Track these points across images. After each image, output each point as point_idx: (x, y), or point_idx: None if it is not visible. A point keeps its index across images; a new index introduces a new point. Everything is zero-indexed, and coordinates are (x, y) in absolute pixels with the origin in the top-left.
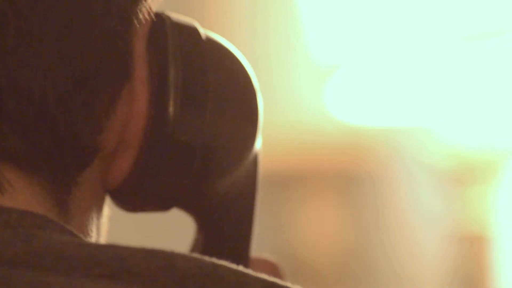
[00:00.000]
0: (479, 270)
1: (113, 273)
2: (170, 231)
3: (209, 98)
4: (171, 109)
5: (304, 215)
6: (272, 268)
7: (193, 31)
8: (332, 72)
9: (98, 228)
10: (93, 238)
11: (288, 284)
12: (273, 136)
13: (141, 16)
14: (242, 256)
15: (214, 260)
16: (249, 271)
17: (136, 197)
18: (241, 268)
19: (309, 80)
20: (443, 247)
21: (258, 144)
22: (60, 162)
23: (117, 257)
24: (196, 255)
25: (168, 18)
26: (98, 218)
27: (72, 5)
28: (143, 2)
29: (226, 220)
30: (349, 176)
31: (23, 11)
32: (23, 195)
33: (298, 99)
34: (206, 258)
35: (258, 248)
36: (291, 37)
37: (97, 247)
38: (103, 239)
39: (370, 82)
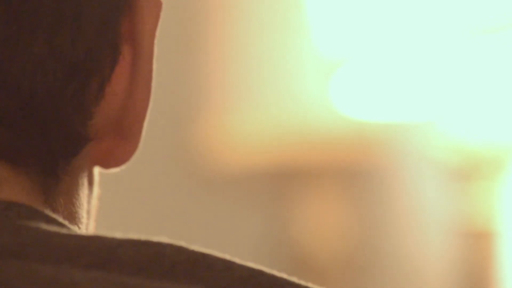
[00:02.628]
0: (485, 266)
1: (102, 262)
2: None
3: None
4: None
5: (309, 210)
6: None
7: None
8: (337, 67)
9: (88, 212)
10: (83, 223)
11: (274, 272)
12: (278, 130)
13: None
14: None
15: (203, 249)
16: (236, 259)
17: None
18: (228, 256)
19: (315, 74)
20: (449, 242)
21: None
22: (48, 152)
23: (105, 247)
24: (184, 244)
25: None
26: (89, 202)
27: None
28: None
29: None
30: (354, 171)
31: (13, 3)
32: (8, 186)
33: (303, 93)
34: (195, 248)
35: (263, 243)
36: (297, 31)
37: (84, 237)
38: (93, 222)
39: (376, 76)
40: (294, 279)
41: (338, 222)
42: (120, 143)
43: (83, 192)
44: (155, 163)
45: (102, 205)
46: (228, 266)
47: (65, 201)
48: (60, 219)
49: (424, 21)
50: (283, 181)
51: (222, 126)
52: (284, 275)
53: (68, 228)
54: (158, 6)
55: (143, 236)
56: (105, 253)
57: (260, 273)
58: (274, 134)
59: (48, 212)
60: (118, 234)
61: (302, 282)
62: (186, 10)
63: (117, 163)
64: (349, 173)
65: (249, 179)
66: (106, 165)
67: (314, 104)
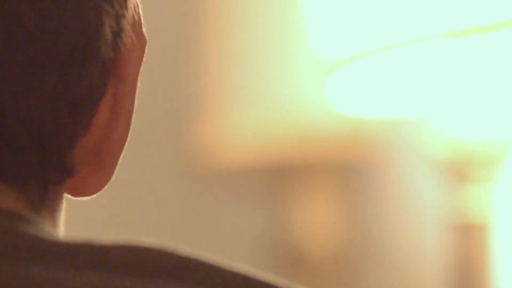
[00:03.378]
0: (478, 260)
1: (94, 264)
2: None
3: None
4: None
5: (305, 206)
6: None
7: None
8: (334, 67)
9: (61, 221)
10: (60, 232)
11: (261, 275)
12: (275, 128)
13: (126, 41)
14: None
15: (189, 253)
16: (221, 263)
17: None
18: (213, 260)
19: (311, 73)
20: (442, 237)
21: None
22: (43, 178)
23: (96, 249)
24: (172, 247)
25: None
26: (62, 212)
27: (80, 27)
28: (129, 28)
29: None
30: (348, 168)
31: (33, 34)
32: (5, 199)
33: (300, 91)
34: (182, 251)
35: (260, 238)
36: (293, 30)
37: (74, 241)
38: (62, 230)
39: (370, 73)
40: (282, 282)
41: (333, 217)
42: (95, 174)
43: (61, 202)
44: (154, 160)
45: (103, 203)
46: (214, 268)
47: (48, 210)
48: (47, 227)
49: (418, 20)
50: (280, 177)
51: (220, 123)
52: (270, 278)
53: (54, 234)
54: (143, 44)
55: (132, 240)
56: (96, 255)
57: (245, 277)
58: (271, 131)
59: (36, 219)
60: (112, 234)
61: (290, 285)
62: (183, 11)
63: (90, 192)
64: (344, 169)
65: (246, 176)
66: (78, 193)
67: (310, 101)
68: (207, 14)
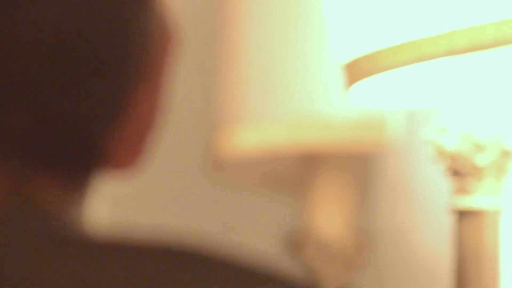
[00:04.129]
0: (487, 248)
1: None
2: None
3: None
4: None
5: (313, 194)
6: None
7: None
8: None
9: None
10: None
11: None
12: (293, 119)
13: (155, 41)
14: None
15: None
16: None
17: None
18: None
19: (325, 66)
20: (450, 224)
21: None
22: (79, 168)
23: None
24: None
25: None
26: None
27: (115, 30)
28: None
29: None
30: (362, 156)
31: (80, 58)
32: (43, 191)
33: (313, 83)
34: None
35: (277, 226)
36: (309, 27)
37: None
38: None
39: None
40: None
41: (350, 206)
42: (128, 156)
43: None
44: (180, 150)
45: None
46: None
47: (83, 200)
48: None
49: (425, 14)
50: (300, 166)
51: (241, 115)
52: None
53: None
54: (172, 43)
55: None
56: (132, 246)
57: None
58: (290, 122)
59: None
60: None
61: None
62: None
63: (124, 171)
64: (358, 157)
65: (267, 165)
66: (113, 171)
67: (322, 91)
68: (225, 15)
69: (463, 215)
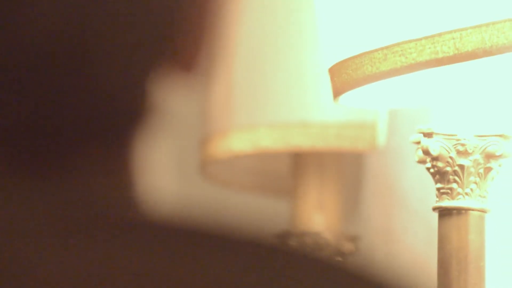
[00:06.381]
0: (472, 247)
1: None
2: None
3: None
4: None
5: (302, 196)
6: None
7: None
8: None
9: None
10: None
11: None
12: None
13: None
14: None
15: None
16: None
17: None
18: None
19: (320, 68)
20: (434, 223)
21: None
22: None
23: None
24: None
25: None
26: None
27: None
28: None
29: None
30: (346, 157)
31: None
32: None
33: (302, 87)
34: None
35: (267, 229)
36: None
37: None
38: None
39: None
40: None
41: (335, 206)
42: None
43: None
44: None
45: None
46: None
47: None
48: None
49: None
50: (292, 163)
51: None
52: None
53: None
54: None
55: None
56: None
57: None
58: (280, 125)
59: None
60: None
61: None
62: None
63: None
64: (346, 159)
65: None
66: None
67: (312, 92)
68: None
69: (447, 215)
